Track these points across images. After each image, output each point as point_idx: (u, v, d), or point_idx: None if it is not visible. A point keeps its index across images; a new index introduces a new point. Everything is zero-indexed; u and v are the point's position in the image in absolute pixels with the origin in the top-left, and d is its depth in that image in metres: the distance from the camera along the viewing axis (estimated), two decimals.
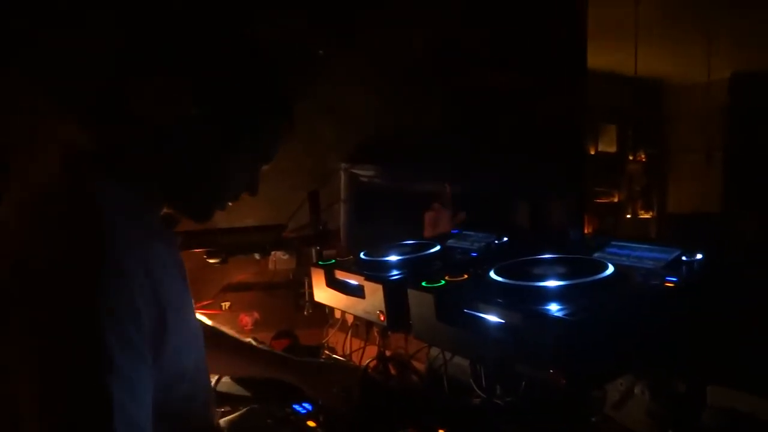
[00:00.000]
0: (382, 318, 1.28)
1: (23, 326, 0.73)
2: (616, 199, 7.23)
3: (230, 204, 1.02)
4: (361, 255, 1.46)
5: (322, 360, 1.49)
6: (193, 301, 1.03)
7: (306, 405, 1.35)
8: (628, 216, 7.28)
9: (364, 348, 1.67)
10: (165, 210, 0.98)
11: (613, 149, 7.16)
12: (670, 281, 0.98)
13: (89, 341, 0.72)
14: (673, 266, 1.04)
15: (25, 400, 0.71)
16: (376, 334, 1.60)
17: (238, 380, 1.45)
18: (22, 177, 0.95)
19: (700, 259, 1.03)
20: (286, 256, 2.06)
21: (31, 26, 1.76)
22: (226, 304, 2.03)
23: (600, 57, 5.22)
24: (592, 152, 6.87)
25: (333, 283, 1.50)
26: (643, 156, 7.17)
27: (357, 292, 1.37)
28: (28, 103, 1.81)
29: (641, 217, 7.33)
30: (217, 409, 1.19)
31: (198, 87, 0.89)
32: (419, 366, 1.54)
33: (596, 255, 1.18)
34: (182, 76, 0.88)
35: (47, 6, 1.75)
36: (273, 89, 0.97)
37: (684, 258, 1.04)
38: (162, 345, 0.84)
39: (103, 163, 0.89)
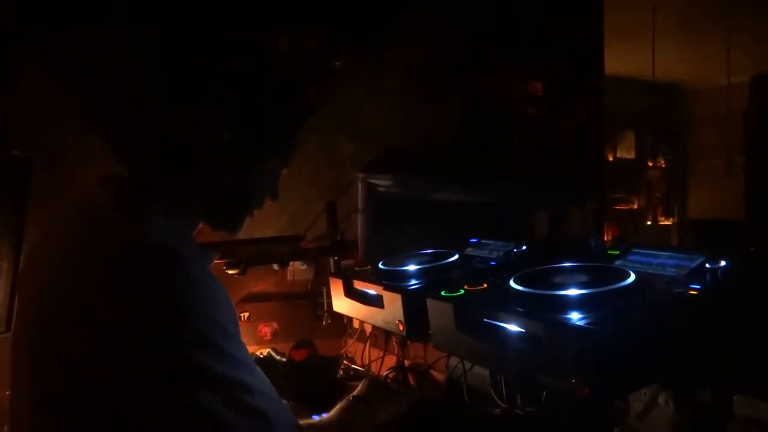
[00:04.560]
0: (401, 328, 1.28)
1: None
2: (635, 206, 7.16)
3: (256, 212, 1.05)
4: (380, 265, 1.46)
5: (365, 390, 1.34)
6: None
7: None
8: (648, 222, 7.21)
9: (383, 358, 1.67)
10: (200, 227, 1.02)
11: (631, 155, 7.10)
12: (694, 289, 0.96)
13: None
14: (697, 273, 1.03)
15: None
16: (395, 343, 1.59)
17: None
18: (48, 193, 0.98)
19: (723, 266, 1.01)
20: (304, 267, 2.06)
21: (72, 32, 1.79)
22: (245, 315, 2.03)
23: (617, 63, 5.19)
24: (611, 159, 6.81)
25: (351, 293, 1.50)
26: (662, 162, 7.11)
27: (376, 301, 1.37)
28: (56, 117, 1.85)
29: (661, 223, 7.24)
30: None
31: (230, 113, 0.92)
32: (439, 376, 1.53)
33: (618, 263, 1.16)
34: (216, 105, 0.91)
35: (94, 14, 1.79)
36: (295, 103, 1.00)
37: (708, 265, 1.03)
38: None
39: (144, 191, 0.92)
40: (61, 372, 0.78)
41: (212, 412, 0.75)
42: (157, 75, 0.93)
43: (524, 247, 1.43)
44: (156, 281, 0.78)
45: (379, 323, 1.38)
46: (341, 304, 1.55)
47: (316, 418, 1.34)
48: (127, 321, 0.75)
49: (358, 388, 1.29)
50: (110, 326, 0.75)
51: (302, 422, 1.02)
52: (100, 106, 1.04)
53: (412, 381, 1.56)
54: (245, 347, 0.86)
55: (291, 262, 1.95)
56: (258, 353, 1.76)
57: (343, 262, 1.93)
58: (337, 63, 2.24)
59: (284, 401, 0.92)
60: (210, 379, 0.76)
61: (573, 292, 0.94)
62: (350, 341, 1.86)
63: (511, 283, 1.03)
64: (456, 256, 1.42)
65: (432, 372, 1.54)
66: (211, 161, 0.93)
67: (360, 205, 2.40)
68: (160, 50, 0.94)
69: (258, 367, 0.88)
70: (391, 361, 1.63)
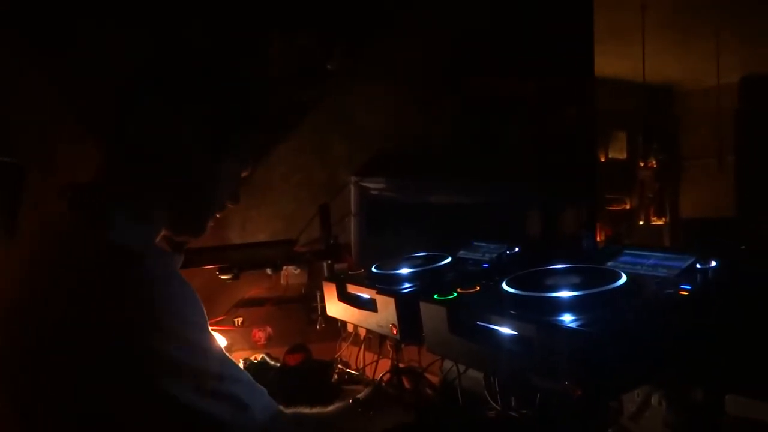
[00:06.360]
0: (394, 331, 1.28)
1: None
2: (627, 206, 7.19)
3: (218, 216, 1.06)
4: (373, 268, 1.46)
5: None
6: None
7: None
8: (641, 223, 7.23)
9: (377, 361, 1.66)
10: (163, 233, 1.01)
11: (623, 156, 7.12)
12: (685, 289, 0.97)
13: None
14: (688, 274, 1.03)
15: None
16: (389, 347, 1.59)
17: None
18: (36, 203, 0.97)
19: (714, 267, 1.02)
20: (297, 271, 2.06)
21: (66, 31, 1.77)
22: (238, 320, 2.03)
23: (608, 64, 5.21)
24: (603, 159, 6.83)
25: (345, 297, 1.49)
26: (654, 162, 7.13)
27: (369, 305, 1.37)
28: (56, 117, 1.83)
29: (654, 223, 7.27)
30: None
31: (194, 113, 0.93)
32: (433, 379, 1.53)
33: (609, 264, 1.17)
34: (181, 104, 0.93)
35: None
36: (258, 104, 1.02)
37: (698, 265, 1.03)
38: None
39: (104, 197, 0.91)
40: (37, 384, 0.78)
41: (183, 402, 0.78)
42: (126, 76, 0.93)
43: (517, 249, 1.43)
44: (119, 284, 0.80)
45: (372, 327, 1.38)
46: (335, 308, 1.55)
47: None
48: (96, 324, 0.77)
49: (363, 392, 1.28)
50: (79, 331, 0.77)
51: (289, 411, 1.02)
52: (87, 107, 1.04)
53: (406, 384, 1.56)
54: (214, 338, 0.88)
55: (284, 267, 1.95)
56: (252, 358, 1.76)
57: (336, 266, 1.93)
58: (329, 67, 2.24)
59: (263, 387, 0.94)
60: (179, 371, 0.79)
61: (564, 294, 0.94)
62: (345, 345, 1.86)
63: (503, 285, 1.04)
64: (449, 259, 1.42)
65: (427, 375, 1.54)
66: (173, 162, 0.94)
67: (353, 209, 2.40)
68: (129, 52, 0.94)
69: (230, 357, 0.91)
70: (385, 364, 1.63)
